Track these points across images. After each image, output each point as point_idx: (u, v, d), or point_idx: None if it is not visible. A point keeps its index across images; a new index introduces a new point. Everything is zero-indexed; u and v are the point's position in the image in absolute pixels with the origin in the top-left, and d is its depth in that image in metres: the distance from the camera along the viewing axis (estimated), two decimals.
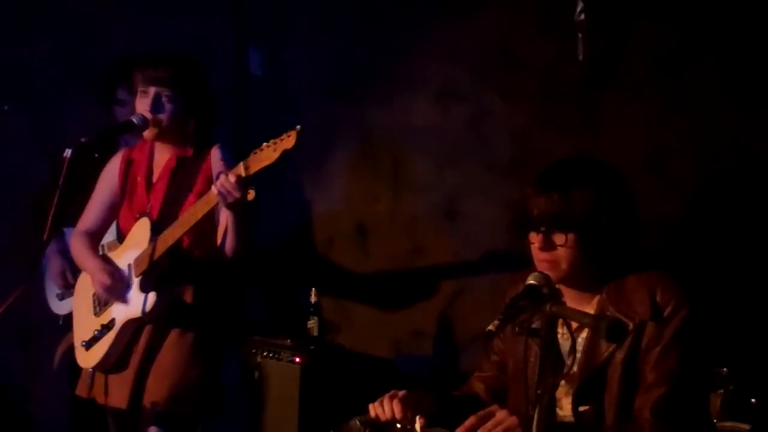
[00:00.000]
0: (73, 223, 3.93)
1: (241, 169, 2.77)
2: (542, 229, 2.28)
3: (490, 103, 4.22)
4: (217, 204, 2.87)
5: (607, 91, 3.84)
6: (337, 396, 3.96)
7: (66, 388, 4.06)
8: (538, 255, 2.32)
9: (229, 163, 3.00)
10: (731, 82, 3.53)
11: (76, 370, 3.99)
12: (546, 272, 2.27)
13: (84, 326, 3.26)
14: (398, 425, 2.33)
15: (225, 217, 2.98)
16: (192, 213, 2.96)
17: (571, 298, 2.38)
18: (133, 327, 3.13)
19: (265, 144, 2.75)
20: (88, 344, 3.20)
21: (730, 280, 3.41)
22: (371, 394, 2.42)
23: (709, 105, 3.58)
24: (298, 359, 4.09)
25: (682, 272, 2.41)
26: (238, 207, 2.86)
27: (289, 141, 2.70)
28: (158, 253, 3.03)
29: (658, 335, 2.24)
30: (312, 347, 4.20)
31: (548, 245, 2.28)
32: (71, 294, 3.91)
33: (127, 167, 3.32)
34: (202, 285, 3.16)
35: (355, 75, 4.71)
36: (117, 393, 3.16)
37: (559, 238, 2.27)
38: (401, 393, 2.35)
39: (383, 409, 2.34)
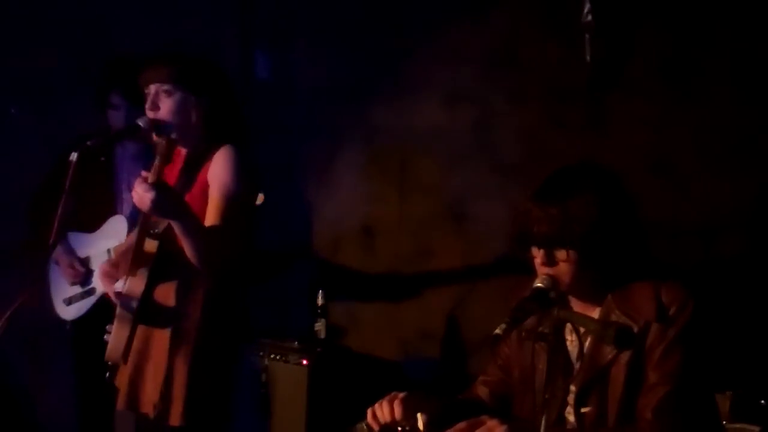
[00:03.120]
0: (77, 227, 3.93)
1: (151, 174, 2.79)
2: (543, 245, 2.27)
3: (497, 105, 4.22)
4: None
5: (614, 92, 3.83)
6: (344, 398, 3.96)
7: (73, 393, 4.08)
8: (540, 270, 2.29)
9: (231, 165, 2.97)
10: (738, 83, 3.52)
11: (84, 376, 4.01)
12: None
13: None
14: (399, 428, 2.31)
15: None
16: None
17: (578, 305, 2.36)
18: (123, 311, 3.05)
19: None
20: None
21: (738, 282, 3.40)
22: (378, 397, 2.39)
23: (717, 106, 3.57)
24: (305, 361, 4.09)
25: (688, 275, 2.40)
26: (161, 214, 2.81)
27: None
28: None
29: (661, 335, 2.22)
30: (319, 349, 4.20)
31: (550, 261, 2.26)
32: (79, 298, 3.93)
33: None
34: (191, 285, 3.09)
35: (361, 77, 4.71)
36: (120, 395, 3.14)
37: (560, 254, 2.25)
38: (401, 394, 2.33)
39: (382, 411, 2.32)
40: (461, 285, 4.32)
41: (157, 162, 2.84)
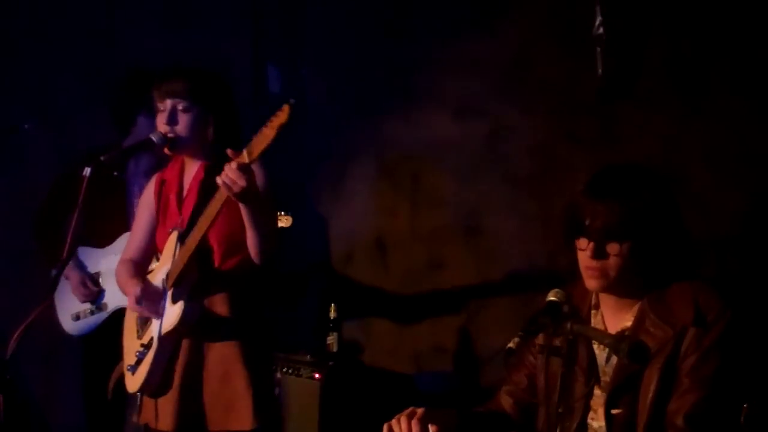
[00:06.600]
0: (87, 242, 3.91)
1: (244, 155, 2.72)
2: (596, 238, 2.27)
3: (509, 118, 4.22)
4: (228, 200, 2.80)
5: (626, 104, 3.83)
6: (356, 412, 3.95)
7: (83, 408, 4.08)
8: (586, 263, 2.29)
9: (258, 171, 2.98)
10: (750, 95, 3.51)
11: (94, 391, 3.99)
12: (593, 280, 2.28)
13: (129, 351, 3.22)
14: None
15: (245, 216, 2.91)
16: (207, 214, 2.92)
17: (611, 306, 2.37)
18: (170, 343, 3.05)
19: (263, 126, 2.70)
20: (133, 368, 3.15)
21: (750, 293, 3.38)
22: (391, 411, 2.38)
23: (728, 118, 3.56)
24: (317, 375, 4.09)
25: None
26: (247, 198, 2.77)
27: (283, 116, 2.65)
28: (182, 260, 3.01)
29: (698, 341, 2.22)
30: (331, 363, 4.19)
31: (600, 254, 2.26)
32: (89, 314, 3.92)
33: (161, 188, 3.27)
34: (237, 296, 3.12)
35: (374, 90, 4.72)
36: (164, 416, 3.12)
37: (612, 248, 2.25)
38: (420, 411, 2.31)
39: (400, 427, 2.31)
40: (474, 298, 4.32)
41: (253, 144, 2.74)
